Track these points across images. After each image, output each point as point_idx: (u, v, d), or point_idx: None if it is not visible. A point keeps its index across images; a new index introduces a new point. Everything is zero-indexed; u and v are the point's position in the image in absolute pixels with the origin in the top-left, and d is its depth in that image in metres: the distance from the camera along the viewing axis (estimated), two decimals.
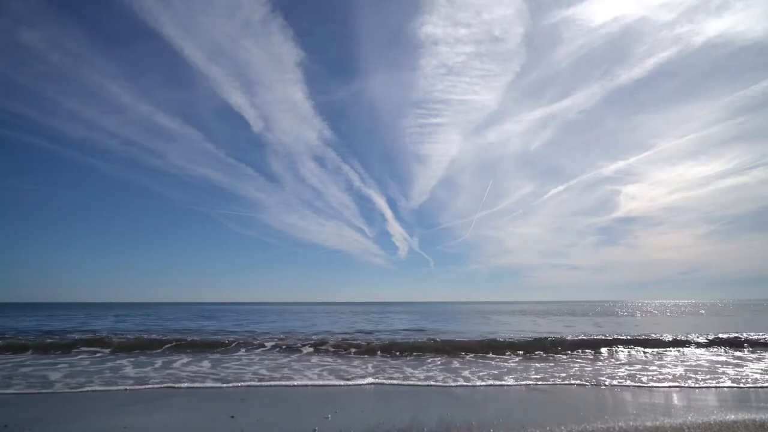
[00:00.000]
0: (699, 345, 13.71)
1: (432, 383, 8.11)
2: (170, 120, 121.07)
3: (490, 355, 11.86)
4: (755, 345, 13.63)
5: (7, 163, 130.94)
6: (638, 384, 7.94)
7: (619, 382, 8.07)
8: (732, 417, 5.49)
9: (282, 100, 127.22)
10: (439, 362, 10.65)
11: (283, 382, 8.17)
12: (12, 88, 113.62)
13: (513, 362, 10.70)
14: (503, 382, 8.16)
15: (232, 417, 5.74)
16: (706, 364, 10.17)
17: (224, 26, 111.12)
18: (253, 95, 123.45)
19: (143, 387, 7.81)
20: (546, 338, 14.21)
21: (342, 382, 8.14)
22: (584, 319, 30.78)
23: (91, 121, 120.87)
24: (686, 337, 14.79)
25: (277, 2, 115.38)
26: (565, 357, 11.61)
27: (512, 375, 8.88)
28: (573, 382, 8.15)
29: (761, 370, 9.41)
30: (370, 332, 19.23)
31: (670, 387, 7.69)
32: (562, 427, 5.05)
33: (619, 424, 5.20)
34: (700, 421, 5.28)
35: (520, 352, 12.24)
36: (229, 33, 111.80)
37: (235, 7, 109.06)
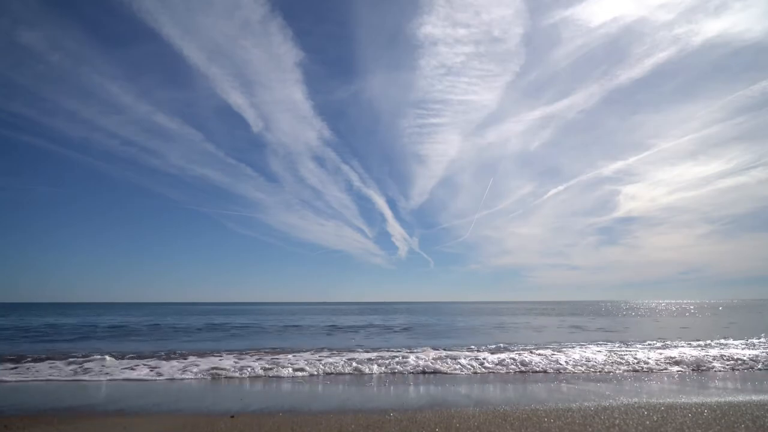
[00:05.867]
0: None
1: None
2: (170, 120, 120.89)
3: None
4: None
5: (7, 163, 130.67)
6: None
7: None
8: (732, 419, 5.49)
9: (281, 100, 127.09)
10: None
11: None
12: (12, 88, 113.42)
13: None
14: None
15: (232, 417, 5.73)
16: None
17: (223, 26, 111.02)
18: (252, 95, 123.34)
19: None
20: None
21: None
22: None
23: (91, 121, 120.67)
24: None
25: (276, 2, 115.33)
26: None
27: None
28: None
29: None
30: None
31: None
32: None
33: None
34: (701, 421, 5.29)
35: None
36: (228, 33, 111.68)
37: (235, 7, 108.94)
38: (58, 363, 10.22)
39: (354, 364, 9.76)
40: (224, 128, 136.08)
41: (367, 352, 12.44)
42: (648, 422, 5.25)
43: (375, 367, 9.54)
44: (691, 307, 64.18)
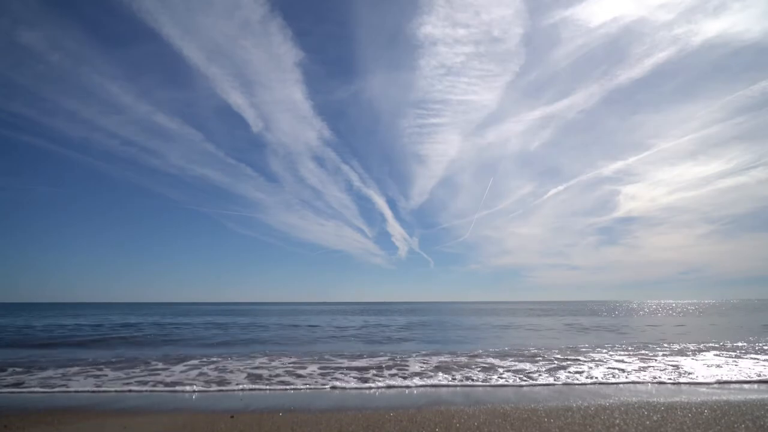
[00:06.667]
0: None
1: None
2: (170, 120, 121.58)
3: None
4: None
5: (7, 163, 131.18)
6: None
7: None
8: (732, 418, 5.48)
9: (281, 100, 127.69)
10: None
11: None
12: (12, 88, 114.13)
13: None
14: None
15: (232, 417, 5.72)
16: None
17: (223, 26, 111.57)
18: (252, 95, 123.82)
19: None
20: None
21: None
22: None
23: (91, 121, 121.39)
24: None
25: (276, 2, 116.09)
26: None
27: None
28: None
29: None
30: None
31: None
32: None
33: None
34: (701, 421, 5.28)
35: None
36: (228, 33, 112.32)
37: (234, 7, 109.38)
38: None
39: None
40: (224, 128, 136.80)
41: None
42: (648, 422, 5.25)
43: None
44: (701, 306, 63.99)
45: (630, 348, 13.66)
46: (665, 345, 14.42)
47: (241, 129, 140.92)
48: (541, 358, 11.28)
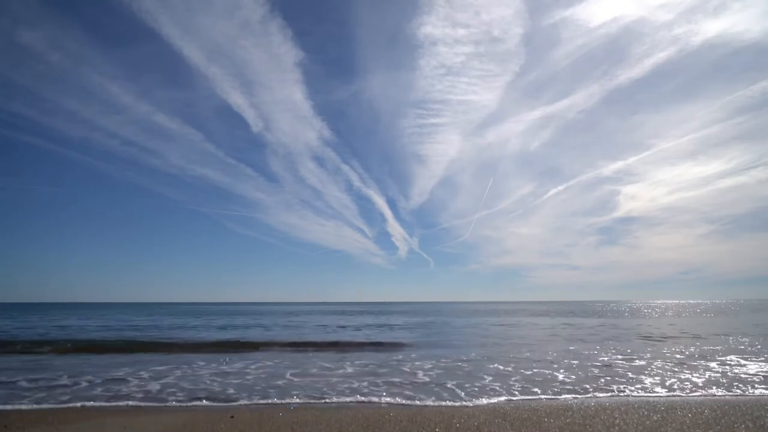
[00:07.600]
0: None
1: None
2: (170, 120, 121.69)
3: None
4: None
5: (7, 163, 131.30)
6: None
7: None
8: (732, 418, 5.48)
9: (281, 100, 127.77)
10: None
11: None
12: (12, 88, 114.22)
13: None
14: None
15: (232, 417, 5.72)
16: None
17: (223, 26, 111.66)
18: (252, 95, 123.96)
19: None
20: None
21: None
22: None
23: (91, 121, 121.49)
24: None
25: (276, 2, 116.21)
26: None
27: None
28: None
29: None
30: None
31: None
32: None
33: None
34: (701, 421, 5.28)
35: None
36: (228, 33, 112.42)
37: (234, 7, 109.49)
38: None
39: None
40: (224, 128, 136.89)
41: None
42: (648, 422, 5.24)
43: None
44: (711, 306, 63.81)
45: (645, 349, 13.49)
46: (689, 347, 14.10)
47: (241, 129, 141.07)
48: (556, 364, 10.39)
